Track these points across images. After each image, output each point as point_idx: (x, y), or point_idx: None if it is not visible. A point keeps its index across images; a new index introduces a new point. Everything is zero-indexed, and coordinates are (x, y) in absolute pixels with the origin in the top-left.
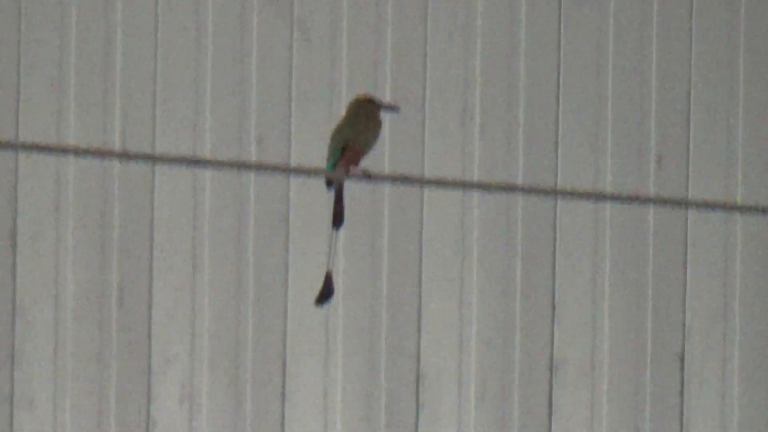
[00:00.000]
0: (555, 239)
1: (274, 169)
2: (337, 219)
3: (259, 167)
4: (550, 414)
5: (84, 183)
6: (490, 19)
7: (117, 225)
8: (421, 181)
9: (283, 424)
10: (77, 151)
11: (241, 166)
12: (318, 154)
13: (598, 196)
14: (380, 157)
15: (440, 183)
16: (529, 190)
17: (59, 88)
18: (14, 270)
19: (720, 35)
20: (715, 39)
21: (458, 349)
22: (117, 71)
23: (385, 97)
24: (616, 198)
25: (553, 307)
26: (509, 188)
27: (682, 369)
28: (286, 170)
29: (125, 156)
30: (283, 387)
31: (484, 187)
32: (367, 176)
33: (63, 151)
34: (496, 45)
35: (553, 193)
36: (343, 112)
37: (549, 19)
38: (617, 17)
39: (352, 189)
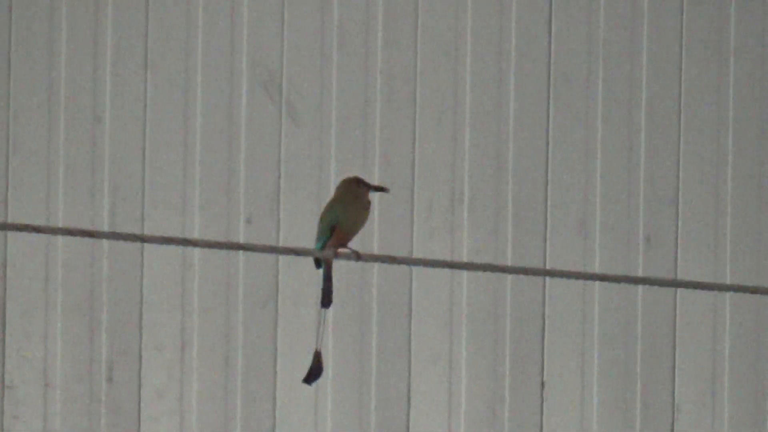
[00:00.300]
0: (544, 319)
1: (263, 249)
2: (326, 298)
3: (248, 248)
4: None
5: (73, 262)
6: (478, 102)
7: (106, 303)
8: (409, 261)
9: None
10: (66, 232)
11: (230, 247)
12: (307, 234)
13: (587, 276)
14: (369, 237)
15: (428, 263)
16: (517, 271)
17: (48, 168)
18: (3, 348)
19: (707, 118)
20: (702, 121)
21: (447, 427)
22: (106, 152)
23: (374, 178)
24: (604, 278)
25: (542, 385)
26: (497, 269)
27: None
28: (275, 250)
29: (114, 237)
30: None
31: (472, 267)
32: (356, 256)
33: (52, 231)
34: (484, 128)
35: (542, 273)
36: (332, 193)
37: (536, 101)
38: (605, 96)
39: (341, 269)
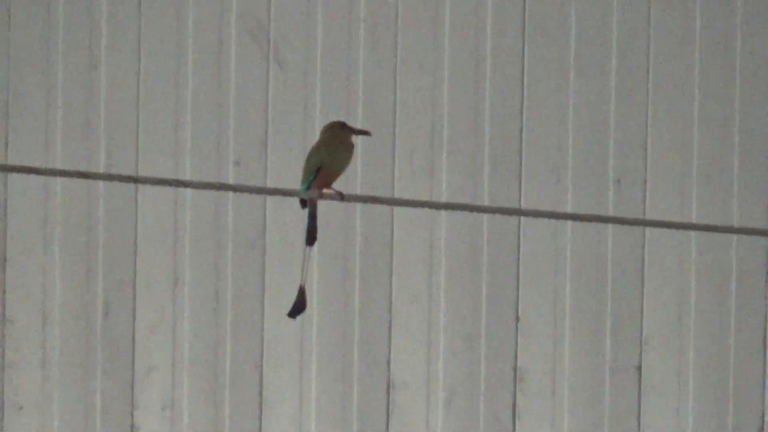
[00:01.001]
0: (518, 256)
1: (251, 190)
2: (311, 237)
3: (237, 189)
4: (513, 420)
5: (70, 203)
6: (456, 49)
7: (102, 242)
8: (391, 202)
9: (260, 429)
10: (64, 173)
11: (220, 187)
12: (293, 176)
13: (560, 216)
14: (352, 178)
15: (409, 203)
16: (494, 210)
17: (46, 113)
18: (4, 284)
19: (675, 64)
20: (670, 67)
21: (426, 359)
22: (101, 97)
23: (358, 122)
24: (576, 217)
25: (517, 320)
26: (475, 209)
27: (639, 379)
28: (263, 191)
29: (109, 178)
30: (261, 395)
31: (451, 207)
32: (340, 197)
33: (50, 173)
34: (462, 73)
35: (517, 213)
36: (317, 137)
37: (512, 48)
38: (577, 43)
39: (325, 208)
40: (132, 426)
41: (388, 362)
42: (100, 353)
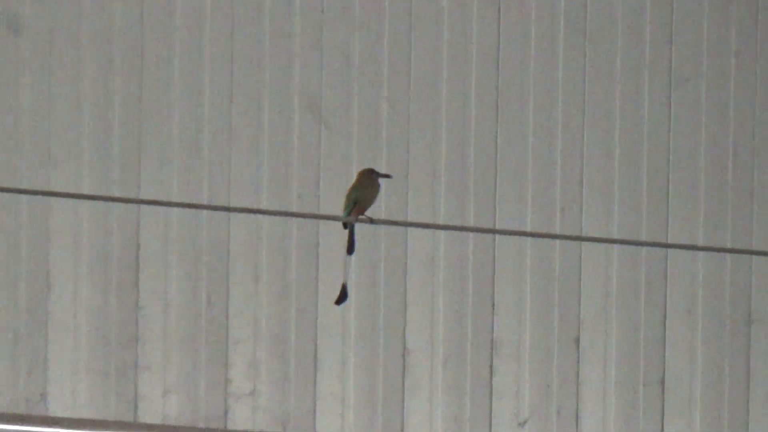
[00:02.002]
0: (494, 262)
1: (309, 216)
2: (350, 248)
3: (299, 215)
4: (490, 378)
5: (186, 234)
6: (451, 121)
7: (205, 256)
8: (406, 224)
9: (315, 382)
10: (187, 205)
11: (288, 214)
12: (338, 207)
13: (525, 234)
14: (379, 208)
15: (418, 225)
16: (474, 230)
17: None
18: (138, 286)
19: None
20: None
21: (430, 333)
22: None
23: (382, 168)
24: (537, 235)
25: (493, 306)
26: (462, 228)
27: (578, 348)
28: (317, 217)
29: (213, 208)
30: (315, 358)
31: (449, 228)
32: (370, 221)
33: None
34: (454, 132)
35: (492, 231)
36: (354, 178)
37: (488, 116)
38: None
39: (360, 229)
40: (226, 380)
41: (403, 334)
42: (204, 330)
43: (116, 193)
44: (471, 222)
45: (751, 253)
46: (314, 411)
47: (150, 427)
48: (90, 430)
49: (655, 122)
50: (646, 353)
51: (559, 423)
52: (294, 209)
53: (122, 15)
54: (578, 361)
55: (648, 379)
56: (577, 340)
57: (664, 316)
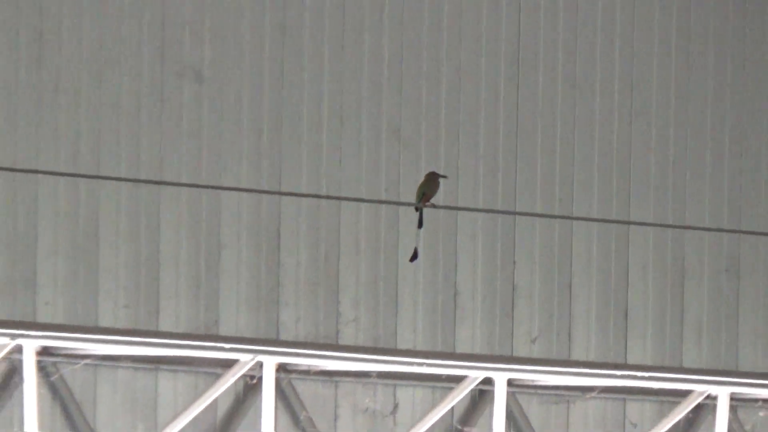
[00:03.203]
0: (515, 234)
1: (398, 203)
2: (420, 224)
3: (388, 202)
4: (512, 311)
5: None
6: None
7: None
8: (456, 208)
9: (396, 310)
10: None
11: (380, 201)
12: (412, 197)
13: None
14: (439, 197)
15: (464, 209)
16: (500, 212)
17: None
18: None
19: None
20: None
21: (473, 280)
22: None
23: (441, 170)
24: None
25: (514, 263)
26: (490, 211)
27: (570, 293)
28: (401, 204)
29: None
30: (396, 296)
31: (483, 210)
32: (433, 206)
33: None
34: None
35: (512, 213)
36: (422, 178)
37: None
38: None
39: (426, 212)
40: (337, 312)
41: (455, 281)
42: (323, 279)
43: None
44: (498, 206)
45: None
46: (395, 332)
47: (289, 344)
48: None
49: None
50: (616, 296)
51: (558, 341)
52: (383, 198)
53: None
54: (570, 300)
55: (617, 312)
56: (569, 286)
57: (627, 270)
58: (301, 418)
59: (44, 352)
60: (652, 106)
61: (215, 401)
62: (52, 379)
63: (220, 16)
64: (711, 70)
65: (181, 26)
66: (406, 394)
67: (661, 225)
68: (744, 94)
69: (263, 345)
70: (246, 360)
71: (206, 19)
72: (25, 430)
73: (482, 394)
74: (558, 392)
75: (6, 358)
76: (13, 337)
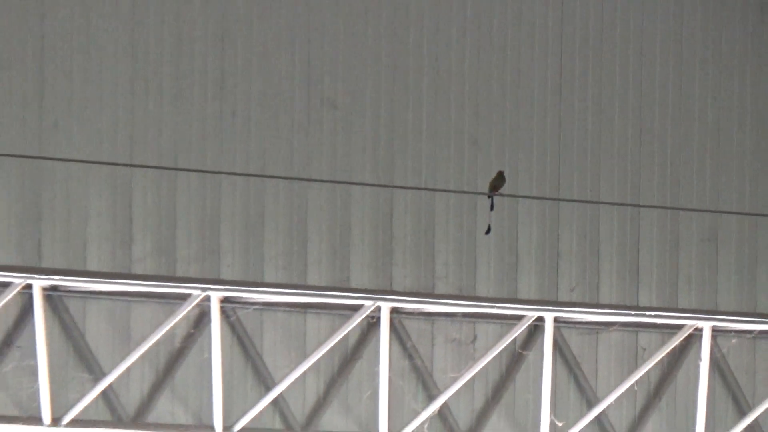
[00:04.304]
0: (558, 208)
1: (471, 192)
2: (491, 208)
3: (468, 192)
4: (557, 266)
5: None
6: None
7: None
8: (517, 196)
9: (475, 262)
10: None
11: (465, 192)
12: (485, 188)
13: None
14: (505, 189)
15: (521, 196)
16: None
17: None
18: None
19: None
20: None
21: (529, 244)
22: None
23: (505, 170)
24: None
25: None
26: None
27: (598, 254)
28: (476, 193)
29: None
30: (475, 255)
31: (537, 197)
32: (501, 195)
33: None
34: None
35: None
36: (494, 175)
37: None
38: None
39: (496, 200)
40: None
41: (516, 251)
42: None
43: None
44: (546, 194)
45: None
46: (474, 284)
47: (400, 293)
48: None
49: None
50: (630, 258)
51: (589, 290)
52: (465, 189)
53: None
54: (598, 261)
55: (631, 269)
56: (597, 252)
57: (638, 240)
58: (408, 346)
59: (225, 300)
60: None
61: (348, 334)
62: (231, 320)
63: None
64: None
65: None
66: (482, 328)
67: (657, 207)
68: None
69: (381, 294)
70: (369, 305)
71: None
72: (212, 357)
73: (536, 329)
74: (590, 327)
75: (198, 305)
76: (204, 290)
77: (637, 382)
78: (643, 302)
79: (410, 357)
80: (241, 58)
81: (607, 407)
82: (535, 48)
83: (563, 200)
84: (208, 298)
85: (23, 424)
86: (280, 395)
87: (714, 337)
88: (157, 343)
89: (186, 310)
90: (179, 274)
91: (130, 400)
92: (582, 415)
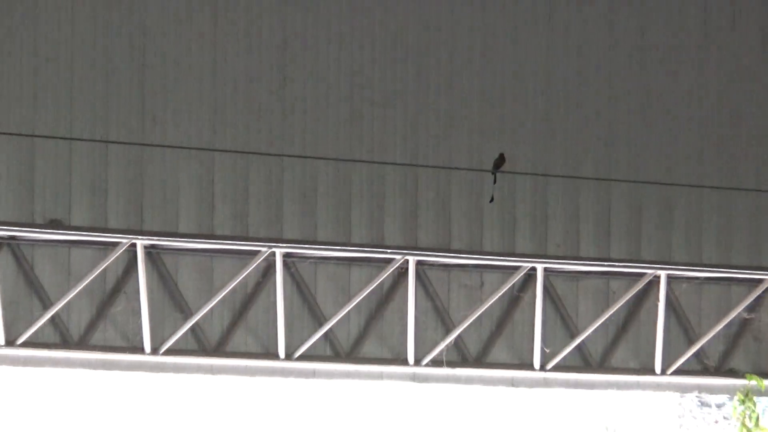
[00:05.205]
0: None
1: (478, 170)
2: (494, 181)
3: (476, 170)
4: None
5: None
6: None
7: None
8: (514, 172)
9: (482, 227)
10: None
11: (478, 170)
12: (490, 166)
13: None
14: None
15: (518, 173)
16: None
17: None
18: None
19: None
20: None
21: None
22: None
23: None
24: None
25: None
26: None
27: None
28: (482, 170)
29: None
30: (482, 221)
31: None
32: (502, 172)
33: None
34: None
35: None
36: (497, 156)
37: None
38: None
39: (499, 176)
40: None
41: (514, 213)
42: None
43: None
44: (528, 170)
45: None
46: (481, 243)
47: (424, 249)
48: None
49: None
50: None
51: (571, 247)
52: (484, 168)
53: None
54: (578, 224)
55: (603, 230)
56: (578, 217)
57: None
58: (429, 291)
59: (287, 255)
60: None
61: (383, 281)
62: (291, 271)
63: None
64: None
65: None
66: (487, 277)
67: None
68: None
69: (409, 250)
70: (399, 259)
71: None
72: (277, 300)
73: (530, 277)
74: (572, 275)
75: (265, 259)
76: (269, 247)
77: (609, 318)
78: (613, 255)
79: (431, 299)
80: (299, 63)
81: (586, 337)
82: (521, 45)
83: (550, 176)
84: (273, 254)
85: (129, 353)
86: (330, 329)
87: (669, 283)
88: (233, 290)
89: (256, 263)
90: (251, 234)
91: (213, 335)
92: (566, 344)
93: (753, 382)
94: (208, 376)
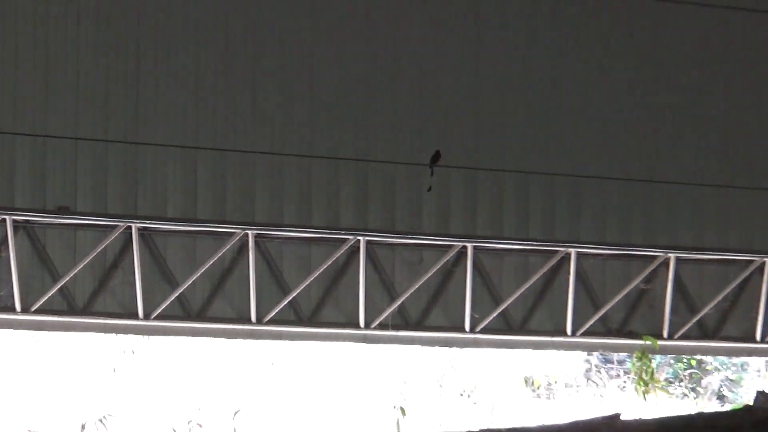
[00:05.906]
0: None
1: (420, 164)
2: (432, 174)
3: (431, 166)
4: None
5: None
6: None
7: None
8: (447, 166)
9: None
10: None
11: (422, 164)
12: (428, 160)
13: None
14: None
15: (452, 166)
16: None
17: None
18: None
19: None
20: None
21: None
22: None
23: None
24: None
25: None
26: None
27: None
28: (422, 164)
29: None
30: (421, 205)
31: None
32: (438, 167)
33: None
34: None
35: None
36: (433, 152)
37: None
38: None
39: (436, 169)
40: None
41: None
42: None
43: None
44: (459, 164)
45: None
46: (420, 224)
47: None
48: None
49: None
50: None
51: (508, 228)
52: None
53: None
54: (501, 206)
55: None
56: (501, 203)
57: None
58: (377, 266)
59: (258, 236)
60: None
61: (338, 258)
62: (262, 249)
63: None
64: None
65: None
66: (426, 254)
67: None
68: None
69: (360, 231)
70: (351, 239)
71: None
72: (250, 274)
73: (462, 254)
74: (497, 252)
75: (239, 239)
76: (243, 229)
77: (527, 288)
78: (531, 236)
79: (379, 273)
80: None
81: (509, 305)
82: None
83: (478, 169)
84: (246, 235)
85: (125, 319)
86: (294, 298)
87: (578, 259)
88: (213, 265)
89: (232, 242)
90: (227, 219)
91: (195, 303)
92: (492, 311)
93: (648, 342)
94: (192, 339)
